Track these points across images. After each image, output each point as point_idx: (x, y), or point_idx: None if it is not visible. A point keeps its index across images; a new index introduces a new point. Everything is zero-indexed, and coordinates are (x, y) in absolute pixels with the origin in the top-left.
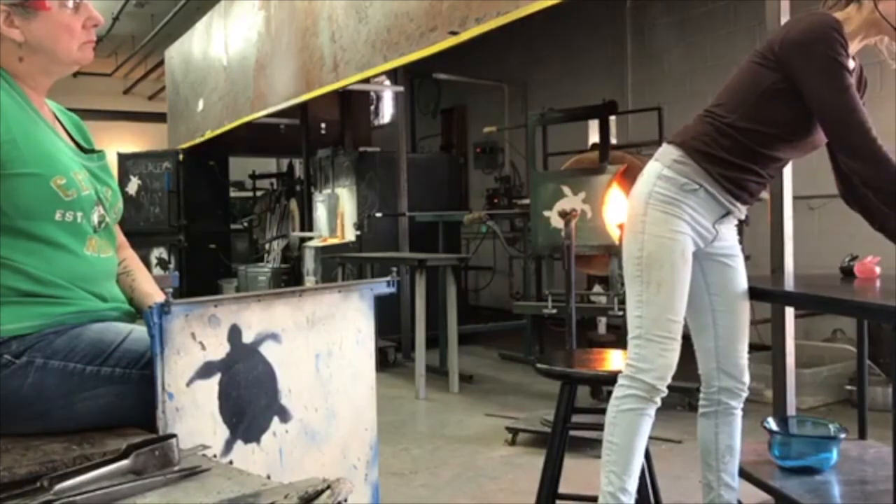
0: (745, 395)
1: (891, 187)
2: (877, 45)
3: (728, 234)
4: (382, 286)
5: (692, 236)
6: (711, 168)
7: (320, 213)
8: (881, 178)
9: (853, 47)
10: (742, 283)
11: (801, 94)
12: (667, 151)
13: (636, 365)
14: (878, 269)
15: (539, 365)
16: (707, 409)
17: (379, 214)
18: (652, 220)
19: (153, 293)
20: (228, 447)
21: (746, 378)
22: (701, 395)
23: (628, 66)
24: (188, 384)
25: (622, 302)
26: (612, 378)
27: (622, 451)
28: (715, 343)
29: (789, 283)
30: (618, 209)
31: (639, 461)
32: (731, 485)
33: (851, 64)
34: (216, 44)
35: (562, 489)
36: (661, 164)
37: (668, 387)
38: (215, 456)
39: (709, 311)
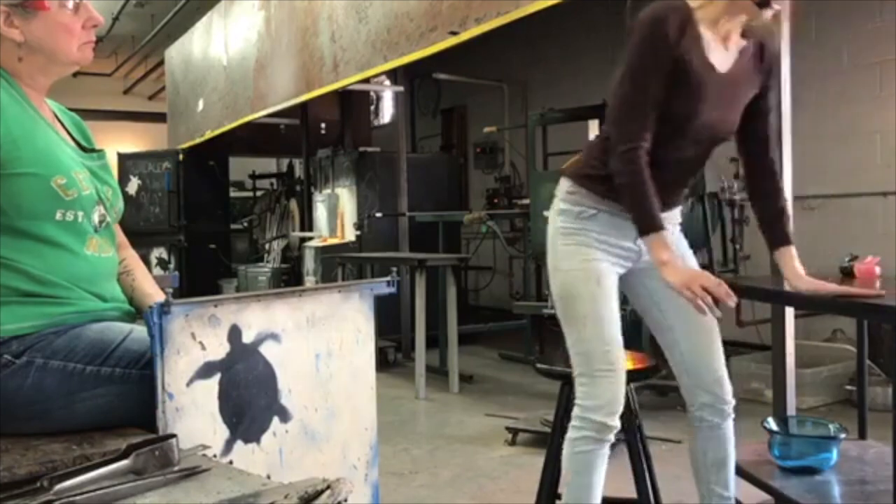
0: (727, 409)
1: (618, 178)
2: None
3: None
4: (382, 286)
5: (610, 260)
6: (601, 188)
7: (320, 213)
8: (614, 167)
9: (719, 29)
10: None
11: None
12: (561, 185)
13: (584, 404)
14: (878, 269)
15: (539, 365)
16: (693, 424)
17: (379, 214)
18: (562, 256)
19: (153, 293)
20: (228, 447)
21: (727, 392)
22: (687, 411)
23: None
24: (188, 384)
25: (623, 302)
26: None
27: (580, 491)
28: (682, 359)
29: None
30: None
31: (597, 498)
32: (723, 495)
33: (722, 54)
34: (216, 44)
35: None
36: (559, 199)
37: (670, 387)
38: (215, 456)
39: (667, 328)
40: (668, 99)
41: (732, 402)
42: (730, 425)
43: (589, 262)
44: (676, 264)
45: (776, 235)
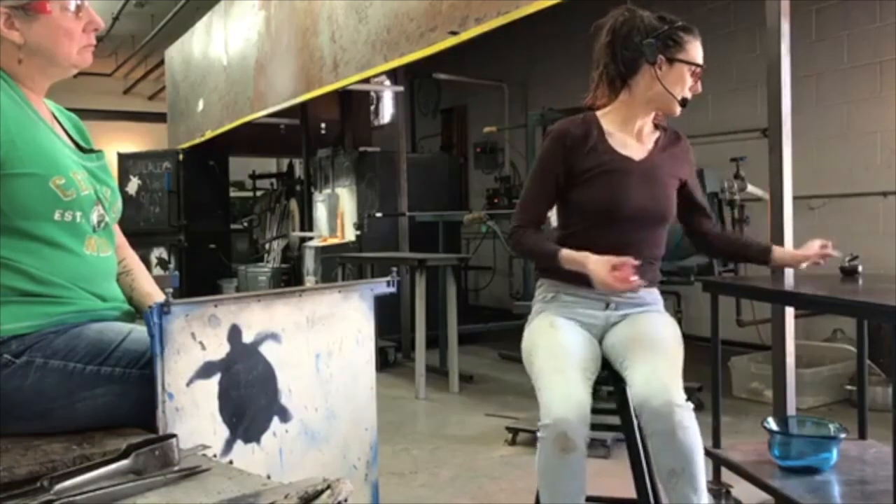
0: (674, 413)
1: (514, 250)
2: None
3: (634, 301)
4: (382, 286)
5: (572, 321)
6: (555, 274)
7: (320, 213)
8: (512, 238)
9: (629, 127)
10: (647, 323)
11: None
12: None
13: (541, 416)
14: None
15: None
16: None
17: (379, 214)
18: (530, 326)
19: (153, 293)
20: (228, 447)
21: (665, 392)
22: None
23: None
24: (188, 384)
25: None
26: (610, 377)
27: (552, 498)
28: (628, 367)
29: (789, 283)
30: None
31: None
32: None
33: (616, 152)
34: (216, 44)
35: None
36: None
37: None
38: (215, 456)
39: (623, 366)
40: (592, 191)
41: (681, 404)
42: (680, 430)
43: (548, 318)
44: (590, 267)
45: (757, 251)
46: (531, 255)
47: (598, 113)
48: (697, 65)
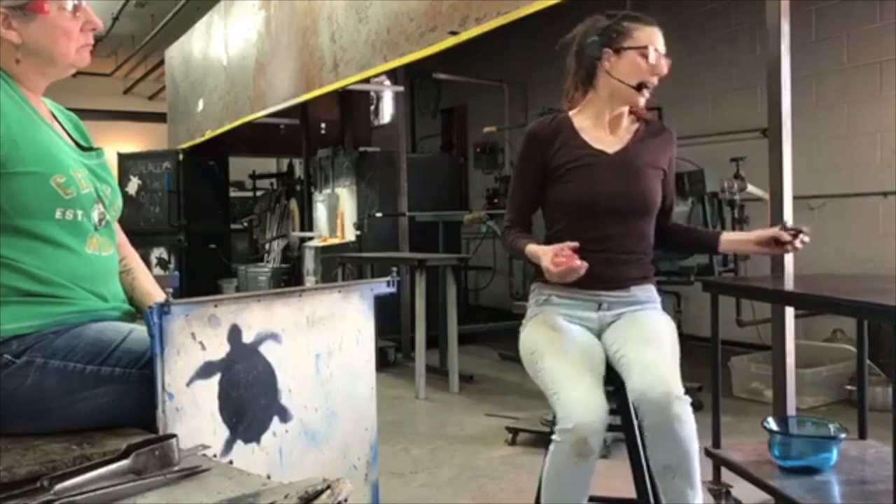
0: (672, 405)
1: (506, 242)
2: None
3: (627, 299)
4: (382, 286)
5: (569, 321)
6: (535, 276)
7: (320, 213)
8: (504, 237)
9: (603, 121)
10: (642, 320)
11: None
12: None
13: (559, 422)
14: None
15: None
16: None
17: (379, 214)
18: (525, 329)
19: (153, 292)
20: (228, 447)
21: (663, 383)
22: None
23: None
24: (188, 384)
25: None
26: (609, 376)
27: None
28: (625, 362)
29: (789, 283)
30: None
31: None
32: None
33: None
34: (216, 44)
35: None
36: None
37: None
38: (215, 456)
39: (620, 357)
40: (568, 186)
41: (680, 396)
42: (677, 423)
43: (548, 319)
44: (541, 260)
45: (706, 237)
46: (512, 252)
47: (571, 112)
48: (645, 47)
